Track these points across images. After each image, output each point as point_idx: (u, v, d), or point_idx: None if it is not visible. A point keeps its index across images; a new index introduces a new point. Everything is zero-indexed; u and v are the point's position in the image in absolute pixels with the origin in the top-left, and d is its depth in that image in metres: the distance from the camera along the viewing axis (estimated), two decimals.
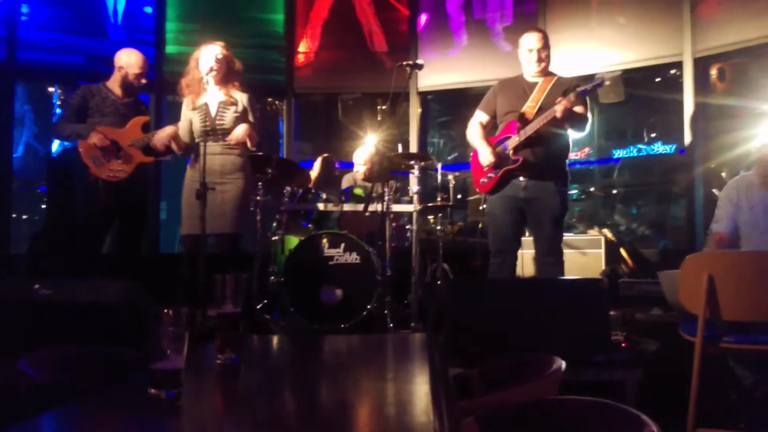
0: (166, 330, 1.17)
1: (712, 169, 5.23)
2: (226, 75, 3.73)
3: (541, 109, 3.61)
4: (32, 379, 1.50)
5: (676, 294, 2.58)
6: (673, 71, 6.19)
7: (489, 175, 3.76)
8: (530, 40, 3.78)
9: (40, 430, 1.08)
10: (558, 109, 3.47)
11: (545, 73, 3.79)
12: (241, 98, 3.75)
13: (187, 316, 1.21)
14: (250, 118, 3.77)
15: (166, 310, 1.17)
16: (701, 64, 5.17)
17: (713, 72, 5.43)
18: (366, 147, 5.25)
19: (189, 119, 3.75)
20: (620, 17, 5.56)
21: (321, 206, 4.32)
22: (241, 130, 3.63)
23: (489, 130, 3.89)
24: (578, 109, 3.62)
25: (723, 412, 2.83)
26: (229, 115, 3.67)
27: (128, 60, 4.10)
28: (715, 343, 2.48)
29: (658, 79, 9.64)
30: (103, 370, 1.71)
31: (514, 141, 3.63)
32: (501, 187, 3.72)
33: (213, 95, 3.70)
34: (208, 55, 3.68)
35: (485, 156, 3.73)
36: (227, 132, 3.67)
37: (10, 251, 5.46)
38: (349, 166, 5.67)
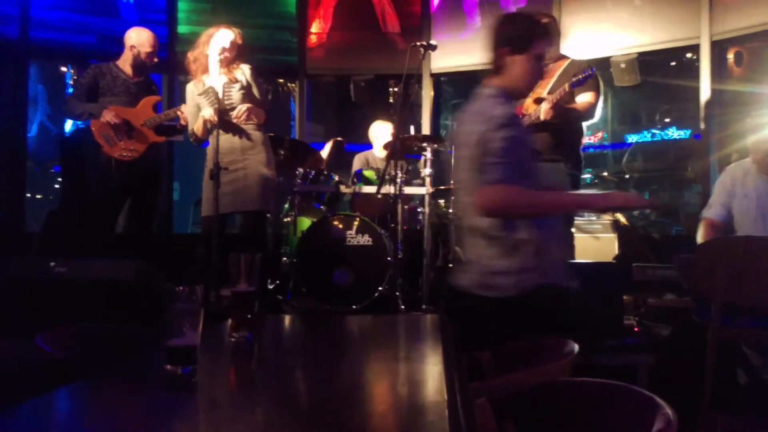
0: (181, 307, 1.18)
1: (728, 154, 5.16)
2: (232, 61, 3.65)
3: (550, 93, 3.57)
4: (49, 355, 1.51)
5: (691, 279, 2.57)
6: (689, 55, 6.11)
7: None
8: None
9: (58, 404, 1.09)
10: (543, 111, 3.46)
11: (556, 58, 3.75)
12: (242, 75, 3.63)
13: (203, 295, 1.21)
14: (255, 91, 3.66)
15: (181, 287, 1.18)
16: (718, 48, 5.09)
17: (730, 56, 5.35)
18: (384, 122, 5.21)
19: (196, 104, 3.68)
20: None
21: (343, 188, 4.31)
22: (243, 109, 3.53)
23: None
24: (585, 97, 3.59)
25: (735, 396, 2.82)
26: (235, 93, 3.59)
27: (139, 38, 4.09)
28: (730, 329, 2.47)
29: (673, 63, 9.53)
30: (118, 347, 1.73)
31: None
32: None
33: (217, 78, 3.64)
34: (221, 41, 3.59)
35: None
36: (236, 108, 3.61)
37: (25, 230, 5.51)
38: (358, 148, 5.63)
